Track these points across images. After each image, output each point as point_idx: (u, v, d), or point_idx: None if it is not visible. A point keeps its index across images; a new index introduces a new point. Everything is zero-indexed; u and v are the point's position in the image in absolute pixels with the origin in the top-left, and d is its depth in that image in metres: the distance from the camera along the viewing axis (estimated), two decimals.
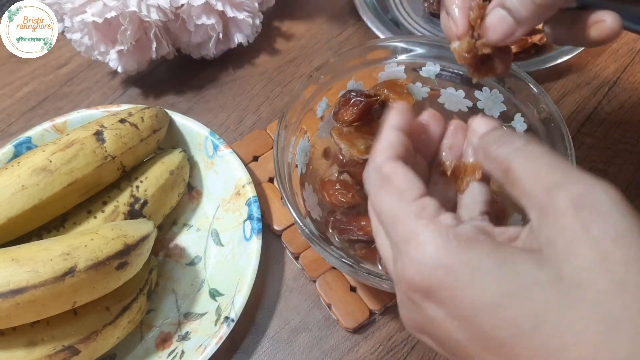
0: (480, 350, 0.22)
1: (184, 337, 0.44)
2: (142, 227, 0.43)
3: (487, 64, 0.33)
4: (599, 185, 0.22)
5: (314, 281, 0.47)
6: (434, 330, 0.24)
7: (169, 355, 0.44)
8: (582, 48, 0.56)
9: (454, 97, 0.46)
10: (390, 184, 0.26)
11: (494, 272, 0.22)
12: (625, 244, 0.20)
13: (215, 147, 0.51)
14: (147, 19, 0.52)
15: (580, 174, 0.22)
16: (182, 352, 0.43)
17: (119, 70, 0.55)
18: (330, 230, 0.43)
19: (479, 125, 0.29)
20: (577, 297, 0.20)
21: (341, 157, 0.46)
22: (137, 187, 0.47)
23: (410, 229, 0.24)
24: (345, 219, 0.43)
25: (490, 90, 0.45)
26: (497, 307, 0.21)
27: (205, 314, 0.45)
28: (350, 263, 0.38)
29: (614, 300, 0.20)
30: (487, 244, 0.23)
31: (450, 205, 0.31)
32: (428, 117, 0.32)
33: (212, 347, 0.42)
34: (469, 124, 0.30)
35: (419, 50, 0.46)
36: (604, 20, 0.29)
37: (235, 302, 0.43)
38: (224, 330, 0.42)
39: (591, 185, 0.22)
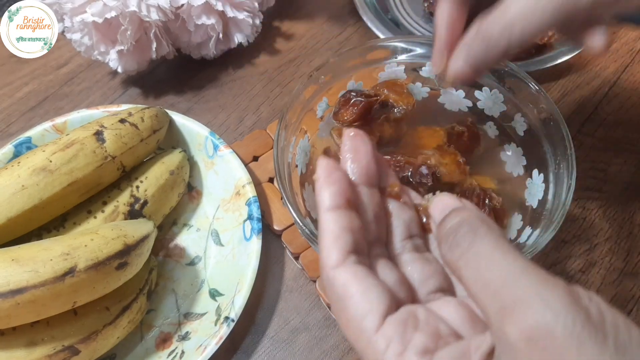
0: None
1: (184, 337, 0.44)
2: (142, 227, 0.43)
3: None
4: (549, 307, 0.19)
5: (314, 281, 0.47)
6: None
7: (169, 355, 0.44)
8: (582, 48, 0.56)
9: (454, 97, 0.46)
10: (347, 310, 0.23)
11: None
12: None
13: (215, 147, 0.51)
14: (147, 19, 0.52)
15: (529, 288, 0.19)
16: (182, 352, 0.43)
17: (119, 70, 0.55)
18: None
19: (435, 209, 0.26)
20: None
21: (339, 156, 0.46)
22: (137, 187, 0.47)
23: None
24: None
25: (490, 90, 0.45)
26: None
27: (205, 314, 0.45)
28: None
29: None
30: None
31: (414, 225, 0.28)
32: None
33: (212, 347, 0.42)
34: (427, 204, 0.27)
35: (419, 50, 0.46)
36: (596, 36, 0.31)
37: (235, 302, 0.43)
38: (224, 330, 0.42)
39: (540, 310, 0.19)
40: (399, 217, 0.27)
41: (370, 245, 0.25)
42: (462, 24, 0.34)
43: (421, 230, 0.28)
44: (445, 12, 0.34)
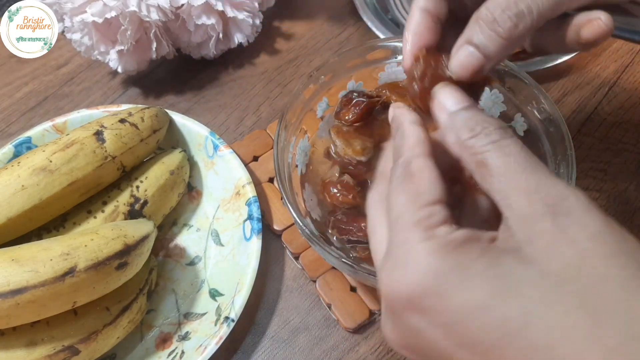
0: (468, 357, 0.22)
1: (184, 337, 0.44)
2: (142, 227, 0.43)
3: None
4: (571, 191, 0.23)
5: (314, 281, 0.47)
6: (417, 343, 0.24)
7: (169, 355, 0.44)
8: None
9: None
10: (411, 183, 0.25)
11: (482, 274, 0.22)
12: (600, 242, 0.21)
13: (215, 147, 0.51)
14: (147, 19, 0.52)
15: (553, 178, 0.23)
16: (182, 352, 0.43)
17: (119, 70, 0.55)
18: (330, 231, 0.43)
19: (446, 98, 0.28)
20: (563, 292, 0.21)
21: (334, 155, 0.46)
22: (137, 187, 0.47)
23: (407, 235, 0.24)
24: (346, 220, 0.43)
25: (490, 90, 0.45)
26: (485, 309, 0.21)
27: (205, 314, 0.45)
28: (350, 263, 0.38)
29: (599, 292, 0.20)
30: (476, 248, 0.23)
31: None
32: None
33: (212, 347, 0.42)
34: (432, 92, 0.28)
35: None
36: (598, 18, 0.29)
37: (235, 302, 0.43)
38: (224, 330, 0.42)
39: (564, 192, 0.22)
40: None
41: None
42: (433, 36, 0.31)
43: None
44: (415, 19, 0.31)
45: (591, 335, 0.20)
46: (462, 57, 0.28)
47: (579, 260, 0.21)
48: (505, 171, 0.23)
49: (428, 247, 0.23)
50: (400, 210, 0.25)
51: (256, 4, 0.57)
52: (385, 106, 0.48)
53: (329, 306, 0.46)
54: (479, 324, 0.21)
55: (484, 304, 0.21)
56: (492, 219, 0.28)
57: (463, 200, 0.30)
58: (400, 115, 0.29)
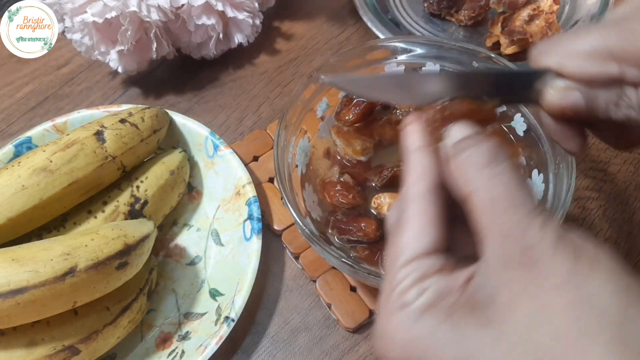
0: None
1: (184, 337, 0.44)
2: (143, 227, 0.43)
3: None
4: (549, 232, 0.22)
5: (314, 281, 0.47)
6: None
7: (169, 355, 0.44)
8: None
9: None
10: (399, 235, 0.25)
11: (445, 340, 0.23)
12: (562, 291, 0.21)
13: (216, 147, 0.51)
14: (148, 19, 0.52)
15: (533, 217, 0.22)
16: (182, 352, 0.43)
17: (119, 70, 0.55)
18: (330, 231, 0.43)
19: (457, 132, 0.27)
20: (518, 353, 0.21)
21: (338, 157, 0.46)
22: (138, 187, 0.47)
23: (386, 302, 0.25)
24: (346, 220, 0.43)
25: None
26: None
27: (205, 313, 0.45)
28: (350, 263, 0.38)
29: (554, 352, 0.21)
30: (442, 311, 0.23)
31: None
32: None
33: (212, 347, 0.42)
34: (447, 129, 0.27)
35: (419, 50, 0.46)
36: None
37: (236, 302, 0.43)
38: (224, 330, 0.42)
39: (537, 234, 0.22)
40: None
41: None
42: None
43: None
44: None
45: None
46: (568, 101, 0.28)
47: (537, 315, 0.21)
48: (488, 208, 0.23)
49: (399, 318, 0.24)
50: (387, 267, 0.26)
51: (256, 4, 0.57)
52: (386, 106, 0.48)
53: (329, 306, 0.46)
54: None
55: None
56: None
57: None
58: (409, 136, 0.28)
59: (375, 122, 0.47)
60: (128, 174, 0.48)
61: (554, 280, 0.21)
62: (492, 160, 0.24)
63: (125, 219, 0.46)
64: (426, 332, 0.23)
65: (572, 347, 0.20)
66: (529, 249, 0.22)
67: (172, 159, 0.49)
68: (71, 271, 0.37)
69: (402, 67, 0.47)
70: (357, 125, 0.47)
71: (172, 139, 0.52)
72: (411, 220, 0.25)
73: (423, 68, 0.47)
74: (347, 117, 0.47)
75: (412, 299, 0.24)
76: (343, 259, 0.38)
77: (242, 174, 0.49)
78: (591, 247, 0.22)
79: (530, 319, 0.21)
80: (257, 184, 0.51)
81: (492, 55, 0.44)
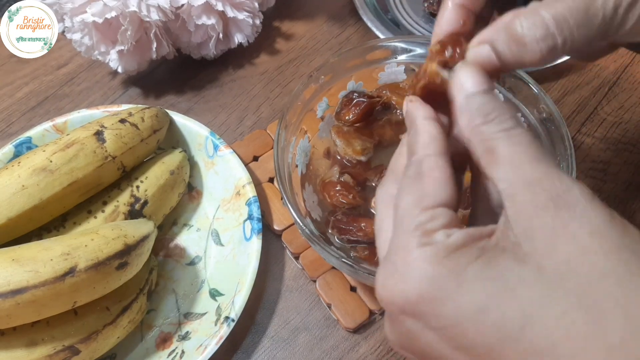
0: (465, 359, 0.22)
1: (184, 337, 0.44)
2: (142, 227, 0.43)
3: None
4: (576, 185, 0.22)
5: (314, 281, 0.47)
6: (413, 345, 0.24)
7: (169, 355, 0.44)
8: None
9: None
10: (419, 183, 0.25)
11: (477, 277, 0.22)
12: (601, 237, 0.21)
13: (216, 147, 0.51)
14: (147, 19, 0.52)
15: (559, 171, 0.23)
16: (182, 352, 0.43)
17: (119, 70, 0.55)
18: (330, 231, 0.43)
19: (466, 78, 0.26)
20: (561, 291, 0.20)
21: (338, 157, 0.47)
22: (137, 187, 0.47)
23: (405, 238, 0.24)
24: (346, 220, 0.43)
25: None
26: (481, 312, 0.21)
27: (205, 314, 0.45)
28: (350, 263, 0.38)
29: (598, 289, 0.20)
30: (472, 251, 0.22)
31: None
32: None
33: (212, 347, 0.42)
34: (455, 69, 0.27)
35: (419, 50, 0.46)
36: None
37: (236, 302, 0.43)
38: (224, 330, 0.42)
39: (569, 184, 0.22)
40: None
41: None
42: (466, 28, 0.30)
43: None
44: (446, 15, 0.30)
45: (591, 333, 0.19)
46: (479, 55, 0.27)
47: (578, 257, 0.21)
48: (512, 160, 0.23)
49: (424, 253, 0.23)
50: (404, 211, 0.25)
51: (256, 4, 0.57)
52: (386, 107, 0.48)
53: (329, 306, 0.46)
54: (475, 328, 0.21)
55: (480, 308, 0.21)
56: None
57: (476, 185, 0.29)
58: (414, 110, 0.28)
59: (375, 122, 0.47)
60: (128, 174, 0.48)
61: (592, 225, 0.21)
62: (516, 122, 0.24)
63: (125, 219, 0.45)
64: (458, 268, 0.22)
65: (621, 288, 0.20)
66: (564, 192, 0.22)
67: (172, 159, 0.49)
68: (71, 271, 0.37)
69: (402, 68, 0.47)
70: (357, 125, 0.47)
71: (172, 139, 0.52)
72: (433, 171, 0.25)
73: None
74: (347, 117, 0.47)
75: (441, 239, 0.23)
76: (343, 259, 0.38)
77: (242, 174, 0.49)
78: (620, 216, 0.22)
79: (574, 258, 0.21)
80: (257, 184, 0.51)
81: None
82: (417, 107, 0.28)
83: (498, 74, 0.28)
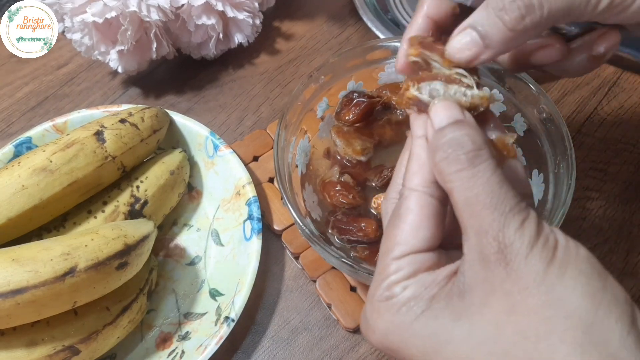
0: None
1: (184, 337, 0.44)
2: (142, 227, 0.43)
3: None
4: (517, 237, 0.22)
5: (314, 281, 0.47)
6: None
7: (169, 355, 0.44)
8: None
9: None
10: (394, 228, 0.26)
11: (419, 332, 0.24)
12: (528, 295, 0.22)
13: (216, 147, 0.51)
14: (148, 19, 0.52)
15: (511, 217, 0.22)
16: (182, 352, 0.43)
17: (119, 70, 0.55)
18: (330, 231, 0.43)
19: (436, 114, 0.26)
20: (485, 351, 0.22)
21: (338, 157, 0.47)
22: (138, 187, 0.47)
23: (375, 288, 0.26)
24: (346, 220, 0.43)
25: (490, 90, 0.45)
26: None
27: (205, 314, 0.45)
28: (350, 263, 0.38)
29: (517, 352, 0.21)
30: (421, 302, 0.24)
31: None
32: None
33: (212, 347, 0.42)
34: (429, 107, 0.27)
35: None
36: (612, 30, 0.29)
37: (236, 302, 0.43)
38: (224, 330, 0.42)
39: (510, 238, 0.22)
40: None
41: None
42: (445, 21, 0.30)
43: None
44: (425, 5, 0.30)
45: None
46: (462, 40, 0.27)
47: (505, 317, 0.22)
48: (465, 207, 0.23)
49: (384, 307, 0.25)
50: (380, 258, 0.26)
51: (256, 4, 0.57)
52: (386, 107, 0.48)
53: (329, 306, 0.46)
54: None
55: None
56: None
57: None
58: (413, 127, 0.28)
59: (375, 122, 0.47)
60: (128, 174, 0.48)
61: (525, 281, 0.22)
62: (471, 160, 0.24)
63: (125, 219, 0.46)
64: (405, 322, 0.24)
65: (540, 346, 0.21)
66: (504, 248, 0.22)
67: (172, 159, 0.49)
68: (71, 271, 0.37)
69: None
70: (357, 125, 0.47)
71: (172, 139, 0.52)
72: (409, 214, 0.25)
73: None
74: (347, 117, 0.47)
75: (398, 292, 0.25)
76: (343, 259, 0.38)
77: (242, 174, 0.49)
78: (568, 247, 0.22)
79: (500, 318, 0.22)
80: (257, 184, 0.51)
81: None
82: (416, 123, 0.28)
83: (487, 59, 0.28)
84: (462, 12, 0.30)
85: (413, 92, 0.28)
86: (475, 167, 0.23)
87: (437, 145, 0.25)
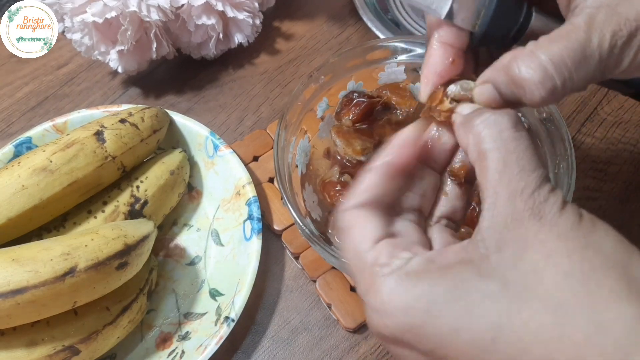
0: None
1: (184, 337, 0.44)
2: (142, 227, 0.43)
3: None
4: (551, 195, 0.23)
5: (314, 281, 0.47)
6: None
7: (169, 355, 0.44)
8: None
9: None
10: (348, 236, 0.26)
11: (444, 297, 0.22)
12: (566, 239, 0.22)
13: (216, 147, 0.51)
14: (148, 19, 0.52)
15: (542, 182, 0.23)
16: (182, 352, 0.43)
17: (119, 70, 0.55)
18: (330, 231, 0.43)
19: (464, 109, 0.27)
20: (527, 298, 0.21)
21: (338, 157, 0.46)
22: (138, 187, 0.47)
23: (367, 279, 0.25)
24: None
25: None
26: (455, 333, 0.22)
27: (205, 314, 0.45)
28: None
29: (562, 290, 0.21)
30: (435, 271, 0.23)
31: (459, 214, 0.30)
32: (439, 129, 0.30)
33: (212, 347, 0.42)
34: (455, 109, 0.28)
35: (419, 50, 0.46)
36: None
37: (236, 302, 0.43)
38: (224, 330, 0.42)
39: (545, 196, 0.23)
40: (451, 200, 0.29)
41: (405, 210, 0.28)
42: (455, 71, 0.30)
43: (464, 221, 0.31)
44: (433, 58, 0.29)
45: (558, 334, 0.20)
46: (483, 94, 0.27)
47: (543, 261, 0.22)
48: (503, 168, 0.23)
49: (388, 285, 0.24)
50: (352, 261, 0.26)
51: (256, 4, 0.57)
52: (386, 107, 0.48)
53: (329, 306, 0.46)
54: (454, 348, 0.22)
55: (453, 329, 0.22)
56: None
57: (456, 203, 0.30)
58: (380, 153, 0.28)
59: (375, 122, 0.47)
60: (128, 174, 0.48)
61: (562, 229, 0.22)
62: (515, 125, 0.24)
63: (125, 219, 0.46)
64: (423, 293, 0.23)
65: (584, 285, 0.21)
66: (539, 204, 0.22)
67: (172, 159, 0.49)
68: (71, 271, 0.37)
69: (402, 68, 0.47)
70: (357, 125, 0.47)
71: (172, 139, 0.52)
72: (353, 223, 0.26)
73: None
74: (347, 117, 0.47)
75: (399, 264, 0.24)
76: (343, 259, 0.38)
77: (242, 174, 0.49)
78: (593, 215, 0.23)
79: (538, 265, 0.22)
80: (257, 184, 0.51)
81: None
82: (385, 151, 0.28)
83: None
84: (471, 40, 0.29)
85: (447, 105, 0.28)
86: (518, 131, 0.24)
87: (478, 114, 0.25)
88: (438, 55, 0.29)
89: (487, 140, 0.24)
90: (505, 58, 0.26)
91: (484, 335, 0.21)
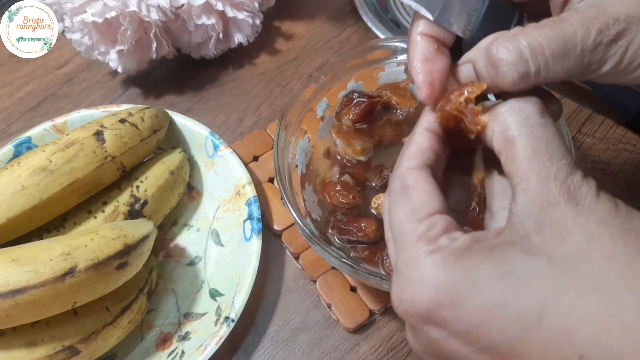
0: None
1: (184, 337, 0.44)
2: (142, 227, 0.43)
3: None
4: (584, 182, 0.23)
5: (314, 281, 0.47)
6: (440, 352, 0.24)
7: (169, 355, 0.44)
8: None
9: None
10: (407, 197, 0.25)
11: (490, 275, 0.22)
12: (607, 225, 0.22)
13: (216, 147, 0.51)
14: (147, 19, 0.52)
15: (572, 168, 0.23)
16: (182, 352, 0.43)
17: (119, 70, 0.55)
18: (330, 231, 0.43)
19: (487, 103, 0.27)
20: (574, 277, 0.21)
21: (338, 157, 0.47)
22: (137, 187, 0.47)
23: (411, 250, 0.24)
24: (346, 220, 0.43)
25: None
26: (500, 308, 0.21)
27: (205, 314, 0.45)
28: (350, 263, 0.38)
29: (609, 272, 0.21)
30: (481, 250, 0.23)
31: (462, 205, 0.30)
32: None
33: (212, 347, 0.42)
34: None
35: None
36: None
37: (235, 302, 0.43)
38: (224, 330, 0.42)
39: (579, 182, 0.23)
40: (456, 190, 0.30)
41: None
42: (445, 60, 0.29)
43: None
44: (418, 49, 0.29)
45: (607, 315, 0.20)
46: (463, 73, 0.28)
47: (587, 244, 0.21)
48: (532, 154, 0.23)
49: (433, 260, 0.23)
50: (401, 225, 0.25)
51: (256, 4, 0.57)
52: (386, 107, 0.48)
53: (329, 306, 0.46)
54: (495, 325, 0.22)
55: (497, 305, 0.22)
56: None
57: (493, 182, 0.29)
58: (421, 116, 0.28)
59: (375, 122, 0.47)
60: (128, 174, 0.48)
61: (601, 215, 0.22)
62: (541, 112, 0.24)
63: (125, 219, 0.45)
64: (470, 270, 0.22)
65: (630, 267, 0.21)
66: (574, 190, 0.22)
67: (172, 159, 0.49)
68: (71, 271, 0.37)
69: (402, 68, 0.47)
70: (357, 125, 0.47)
71: (172, 139, 0.52)
72: (417, 184, 0.26)
73: None
74: (347, 117, 0.47)
75: (445, 243, 0.23)
76: (343, 259, 0.38)
77: (242, 174, 0.49)
78: (627, 205, 0.23)
79: (583, 246, 0.21)
80: (257, 184, 0.51)
81: None
82: (425, 114, 0.28)
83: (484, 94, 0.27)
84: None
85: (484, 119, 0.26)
86: (544, 118, 0.24)
87: (505, 103, 0.25)
88: (422, 44, 0.29)
89: (514, 127, 0.24)
90: (489, 39, 0.26)
91: (530, 312, 0.21)
